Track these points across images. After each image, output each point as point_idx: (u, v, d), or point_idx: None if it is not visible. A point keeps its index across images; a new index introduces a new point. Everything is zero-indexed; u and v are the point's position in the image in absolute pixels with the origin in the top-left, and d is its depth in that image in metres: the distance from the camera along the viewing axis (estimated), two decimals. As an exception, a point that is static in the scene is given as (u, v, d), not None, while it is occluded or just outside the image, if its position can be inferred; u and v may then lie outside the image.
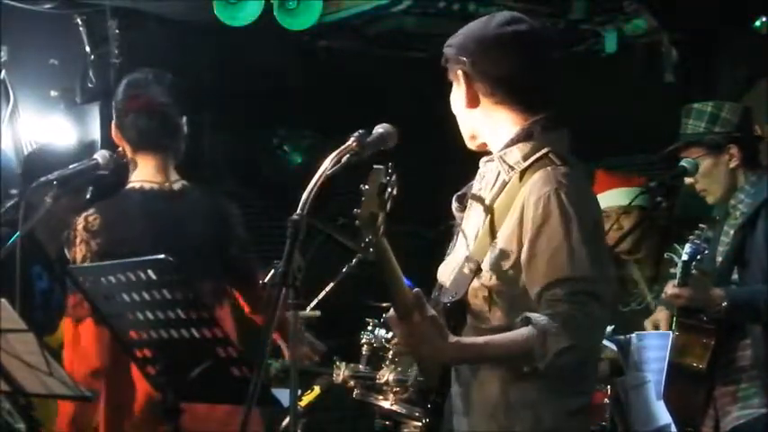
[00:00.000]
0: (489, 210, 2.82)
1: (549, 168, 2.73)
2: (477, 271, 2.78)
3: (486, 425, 2.79)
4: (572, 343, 2.61)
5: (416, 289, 2.68)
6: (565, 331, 2.60)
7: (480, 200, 2.87)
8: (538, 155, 2.77)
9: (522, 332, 2.64)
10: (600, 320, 2.70)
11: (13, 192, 4.74)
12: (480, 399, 2.80)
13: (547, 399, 2.74)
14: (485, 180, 2.90)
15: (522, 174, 2.77)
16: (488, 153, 2.94)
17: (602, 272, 2.69)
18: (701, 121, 4.22)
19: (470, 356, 2.74)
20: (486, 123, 2.88)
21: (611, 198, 4.73)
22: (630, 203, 4.57)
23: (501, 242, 2.76)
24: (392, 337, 4.00)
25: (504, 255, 2.75)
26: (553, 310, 2.63)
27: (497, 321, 2.76)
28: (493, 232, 2.78)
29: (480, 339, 2.72)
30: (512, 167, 2.80)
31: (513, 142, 2.81)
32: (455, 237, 3.01)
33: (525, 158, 2.78)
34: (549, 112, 2.84)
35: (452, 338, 2.68)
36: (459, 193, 3.01)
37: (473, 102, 2.87)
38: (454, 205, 3.01)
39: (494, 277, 2.76)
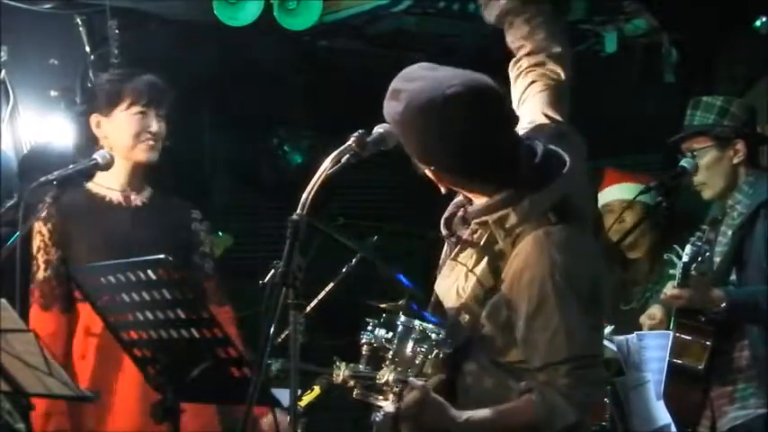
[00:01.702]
0: (478, 268, 2.79)
1: (541, 233, 2.67)
2: (474, 322, 2.79)
3: None
4: (578, 419, 2.67)
5: (415, 391, 2.75)
6: (570, 407, 2.66)
7: (472, 253, 2.82)
8: (534, 217, 2.70)
9: (527, 406, 2.69)
10: (600, 380, 2.79)
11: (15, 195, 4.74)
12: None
13: None
14: (476, 235, 2.82)
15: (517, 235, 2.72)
16: None
17: (600, 340, 2.78)
18: (711, 114, 4.22)
19: (477, 430, 2.75)
20: (468, 193, 2.86)
21: (616, 192, 4.76)
22: (635, 198, 4.59)
23: (493, 301, 2.76)
24: (392, 338, 3.99)
25: (495, 312, 2.76)
26: (556, 383, 2.67)
27: (500, 357, 2.80)
28: (485, 289, 2.77)
29: (486, 414, 2.72)
30: (508, 233, 2.73)
31: (504, 205, 2.73)
32: (445, 255, 2.98)
33: (521, 223, 2.71)
34: (529, 164, 2.75)
35: (461, 417, 2.71)
36: (445, 215, 2.96)
37: (456, 185, 2.84)
38: (443, 231, 2.96)
39: (487, 328, 2.78)
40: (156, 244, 3.72)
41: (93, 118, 3.87)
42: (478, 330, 2.80)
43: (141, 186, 3.94)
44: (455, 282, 2.87)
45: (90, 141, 3.91)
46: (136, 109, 3.85)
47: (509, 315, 2.74)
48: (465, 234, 2.86)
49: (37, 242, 3.83)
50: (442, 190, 2.90)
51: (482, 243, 2.79)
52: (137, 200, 3.92)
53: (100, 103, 3.87)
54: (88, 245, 3.79)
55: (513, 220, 2.72)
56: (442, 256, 3.01)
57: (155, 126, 3.87)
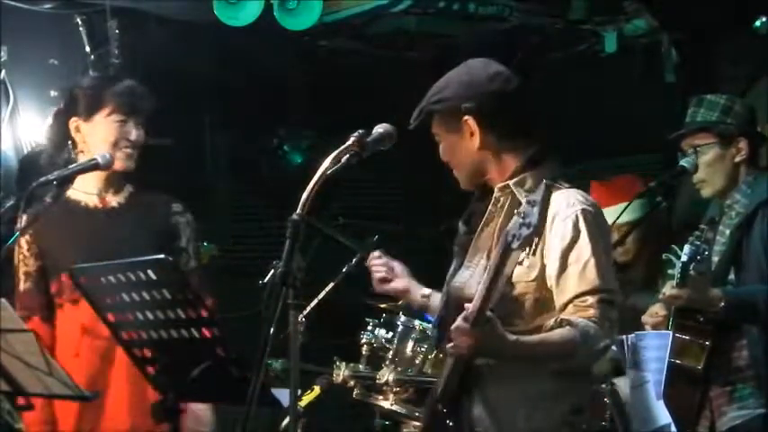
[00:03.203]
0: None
1: (564, 189, 3.05)
2: (505, 282, 2.95)
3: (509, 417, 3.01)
4: (610, 342, 2.98)
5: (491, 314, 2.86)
6: (602, 332, 2.94)
7: (497, 221, 3.08)
8: (547, 181, 2.99)
9: (565, 333, 2.93)
10: (617, 324, 3.03)
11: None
12: (500, 398, 3.02)
13: (561, 392, 3.03)
14: (500, 204, 3.10)
15: None
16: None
17: (616, 283, 3.05)
18: (714, 111, 4.21)
19: (524, 353, 2.98)
20: (493, 161, 3.11)
21: (610, 215, 4.72)
22: (613, 222, 4.49)
23: (525, 257, 3.00)
24: (392, 338, 4.00)
25: (529, 267, 3.02)
26: (585, 315, 2.94)
27: (526, 324, 3.01)
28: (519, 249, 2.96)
29: (533, 339, 2.97)
30: (528, 192, 3.00)
31: (524, 170, 3.09)
32: (459, 256, 3.19)
33: (537, 185, 2.97)
34: (540, 140, 3.13)
35: (512, 337, 2.91)
36: (465, 217, 3.22)
37: (487, 144, 3.09)
38: (462, 229, 3.20)
39: (519, 287, 3.02)
40: (132, 243, 3.72)
41: (73, 121, 3.84)
42: (504, 303, 2.96)
43: (119, 187, 3.91)
44: (471, 275, 3.09)
45: (66, 143, 3.88)
46: (117, 117, 3.81)
47: (542, 267, 3.00)
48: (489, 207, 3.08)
49: (17, 254, 3.82)
50: (469, 183, 3.15)
51: (506, 207, 3.05)
52: (113, 201, 3.89)
53: (81, 106, 3.84)
54: (66, 251, 3.76)
55: (530, 182, 3.06)
56: (453, 264, 3.21)
57: (134, 134, 3.84)
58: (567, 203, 3.02)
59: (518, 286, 3.02)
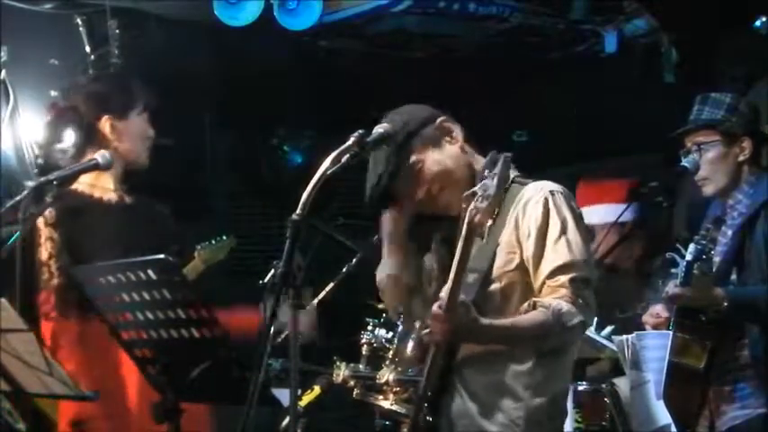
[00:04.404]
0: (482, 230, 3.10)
1: (530, 184, 3.15)
2: (483, 278, 3.06)
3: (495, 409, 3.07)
4: (582, 319, 3.01)
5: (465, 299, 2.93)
6: (575, 310, 2.99)
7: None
8: (510, 180, 3.15)
9: (537, 314, 2.99)
10: (592, 302, 3.08)
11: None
12: (480, 389, 3.07)
13: (541, 384, 3.08)
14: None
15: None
16: None
17: (591, 258, 3.15)
18: (720, 110, 4.21)
19: (499, 336, 3.05)
20: (472, 163, 3.22)
21: (597, 214, 4.76)
22: (616, 221, 4.57)
23: (504, 249, 3.10)
24: (392, 338, 4.01)
25: (509, 258, 3.09)
26: (558, 295, 3.00)
27: (508, 314, 3.06)
28: (491, 244, 3.09)
29: (506, 321, 3.03)
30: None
31: (486, 172, 3.09)
32: (441, 275, 3.22)
33: (499, 187, 3.02)
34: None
35: (485, 321, 2.95)
36: (438, 238, 3.30)
37: (463, 145, 3.21)
38: (442, 250, 3.29)
39: (505, 279, 3.09)
40: (150, 240, 3.73)
41: (105, 119, 3.85)
42: (491, 298, 3.06)
43: (125, 185, 3.94)
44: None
45: (87, 141, 3.88)
46: (145, 114, 3.86)
47: (521, 254, 3.08)
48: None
49: (48, 249, 3.81)
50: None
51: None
52: (127, 199, 3.91)
53: (114, 104, 3.85)
54: (94, 246, 3.76)
55: (492, 188, 3.00)
56: (434, 286, 3.26)
57: (151, 130, 3.88)
58: (536, 189, 3.12)
59: (503, 279, 3.09)
